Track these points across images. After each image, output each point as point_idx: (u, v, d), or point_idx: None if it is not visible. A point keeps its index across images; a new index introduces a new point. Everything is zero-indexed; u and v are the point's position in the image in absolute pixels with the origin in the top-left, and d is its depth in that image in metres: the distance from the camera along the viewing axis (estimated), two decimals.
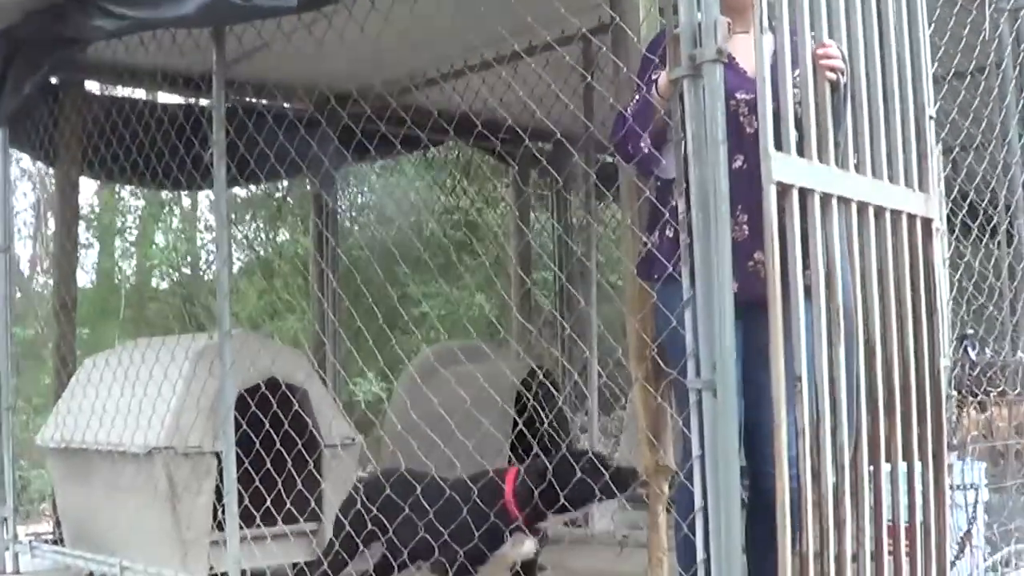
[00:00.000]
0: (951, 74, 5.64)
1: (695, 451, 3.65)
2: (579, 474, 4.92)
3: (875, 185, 4.03)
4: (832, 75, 3.84)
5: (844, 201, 3.86)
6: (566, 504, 5.00)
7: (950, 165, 5.64)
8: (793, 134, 3.69)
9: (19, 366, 8.52)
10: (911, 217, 4.19)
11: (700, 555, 3.63)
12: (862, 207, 3.94)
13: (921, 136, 4.33)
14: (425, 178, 14.34)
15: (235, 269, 20.58)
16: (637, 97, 4.21)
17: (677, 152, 3.78)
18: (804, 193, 3.69)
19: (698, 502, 3.64)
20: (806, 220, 3.69)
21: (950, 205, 5.49)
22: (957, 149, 6.02)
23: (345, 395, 11.40)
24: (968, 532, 4.81)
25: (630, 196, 4.58)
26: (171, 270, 21.01)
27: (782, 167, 3.58)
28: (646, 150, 4.12)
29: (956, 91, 5.72)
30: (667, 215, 4.05)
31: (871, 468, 3.93)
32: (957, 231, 5.74)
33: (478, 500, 5.13)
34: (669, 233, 4.08)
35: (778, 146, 3.60)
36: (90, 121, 7.99)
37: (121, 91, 8.95)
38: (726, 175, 3.53)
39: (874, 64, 4.08)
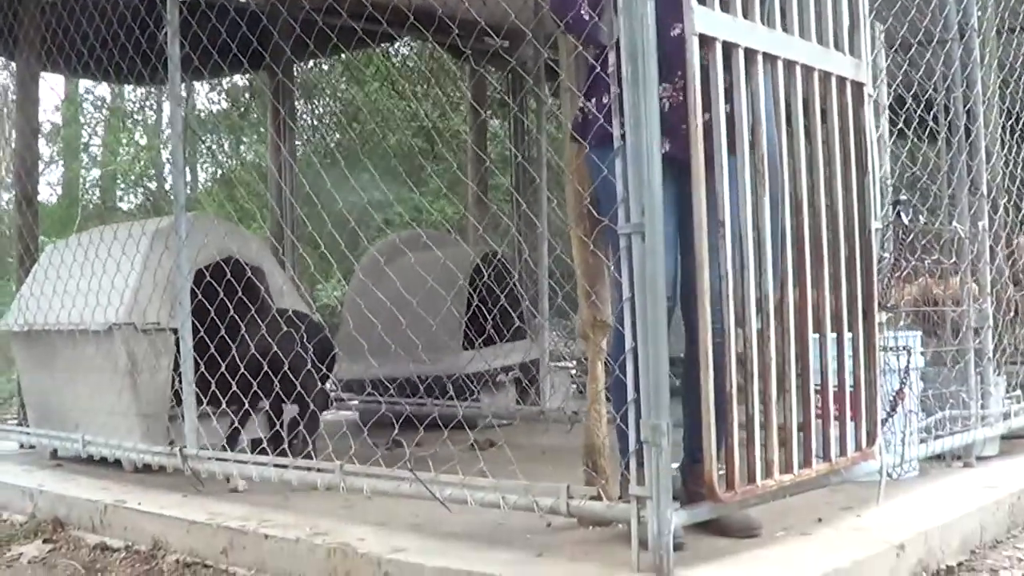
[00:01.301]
0: None
1: (625, 294, 3.79)
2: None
3: (805, 46, 4.16)
4: None
5: (770, 58, 4.00)
6: None
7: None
8: None
9: None
10: (841, 79, 4.34)
11: (631, 395, 3.78)
12: (789, 64, 4.08)
13: (854, 3, 4.48)
14: (387, 86, 14.40)
15: (200, 182, 20.68)
16: None
17: (609, 14, 3.91)
18: (729, 47, 3.84)
19: (628, 343, 3.76)
20: (731, 74, 3.85)
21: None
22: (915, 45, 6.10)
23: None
24: (899, 391, 4.93)
25: (569, 65, 4.72)
26: (136, 185, 21.05)
27: (704, 20, 3.71)
28: (585, 16, 4.26)
29: None
30: (604, 80, 4.18)
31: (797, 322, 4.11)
32: (914, 125, 5.89)
33: None
34: (605, 100, 4.21)
35: (702, 1, 3.74)
36: (50, 12, 8.04)
37: None
38: (653, 27, 3.66)
39: None
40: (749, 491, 3.86)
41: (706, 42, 3.74)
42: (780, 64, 4.04)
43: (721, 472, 3.79)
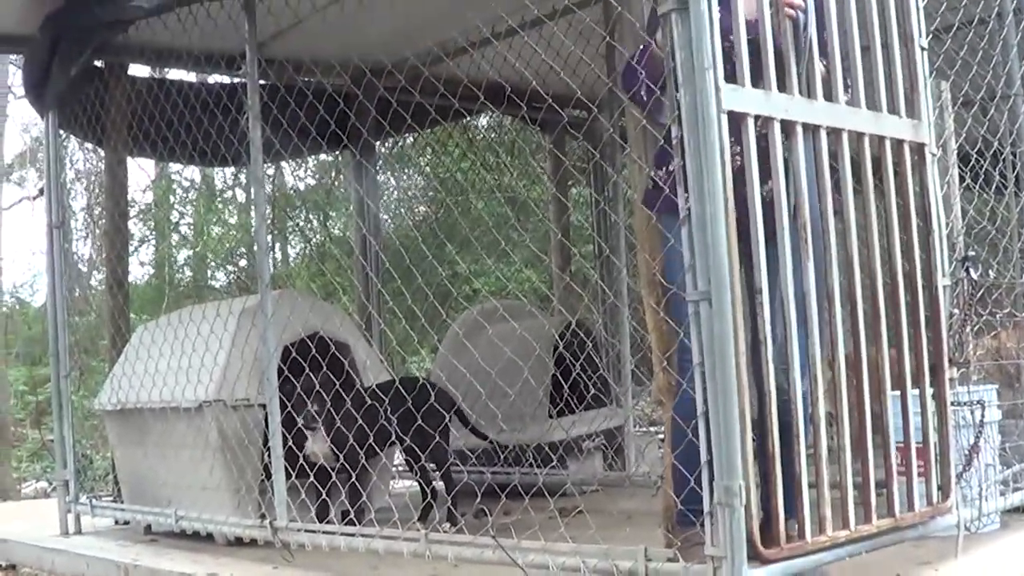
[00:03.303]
0: (976, 21, 5.82)
1: (695, 359, 3.88)
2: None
3: (851, 113, 4.28)
4: (791, 11, 4.14)
5: (811, 128, 4.13)
6: None
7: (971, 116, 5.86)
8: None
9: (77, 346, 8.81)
10: (897, 142, 4.43)
11: (704, 457, 3.87)
12: (834, 132, 4.20)
13: (911, 65, 4.57)
14: (469, 157, 14.55)
15: (290, 259, 20.94)
16: (642, 47, 4.50)
17: (670, 89, 4.03)
18: (765, 121, 3.97)
19: (700, 407, 3.87)
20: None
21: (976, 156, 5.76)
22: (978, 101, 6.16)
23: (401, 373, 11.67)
24: (975, 445, 4.96)
25: (636, 135, 4.85)
26: (226, 262, 21.34)
27: (733, 97, 3.84)
28: (644, 96, 4.41)
29: (975, 42, 5.89)
30: (670, 151, 4.30)
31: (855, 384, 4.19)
32: (982, 179, 5.93)
33: None
34: (671, 168, 4.32)
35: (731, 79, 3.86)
36: (135, 101, 8.28)
37: (164, 72, 9.25)
38: (714, 100, 3.78)
39: None
40: (797, 547, 3.92)
41: (738, 117, 3.87)
42: (823, 132, 4.15)
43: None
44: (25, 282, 24.61)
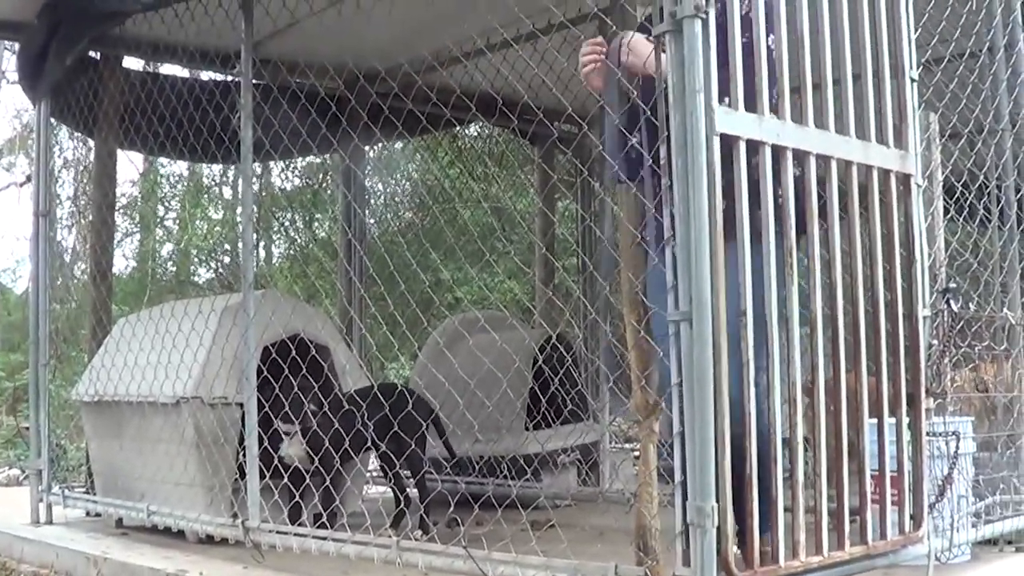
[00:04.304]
0: (966, 54, 5.85)
1: (674, 379, 3.90)
2: None
3: (841, 141, 4.31)
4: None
5: (800, 154, 4.15)
6: None
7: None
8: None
9: (57, 335, 8.80)
10: (884, 171, 4.47)
11: (678, 477, 3.88)
12: (823, 159, 4.23)
13: (901, 96, 4.61)
14: (456, 166, 14.57)
15: (274, 259, 20.93)
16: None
17: (661, 108, 4.05)
18: (754, 145, 3.99)
19: (676, 427, 3.89)
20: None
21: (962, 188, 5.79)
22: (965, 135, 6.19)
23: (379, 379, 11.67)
24: (948, 476, 4.98)
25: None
26: (209, 259, 21.32)
27: (726, 120, 3.86)
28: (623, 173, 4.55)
29: (965, 75, 5.93)
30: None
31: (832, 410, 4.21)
32: (966, 212, 5.96)
33: None
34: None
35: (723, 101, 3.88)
36: (128, 94, 8.29)
37: (158, 67, 9.26)
38: (703, 123, 3.80)
39: (842, 26, 4.36)
40: (770, 571, 3.94)
41: (730, 140, 3.89)
42: (812, 159, 4.18)
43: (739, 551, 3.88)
44: (7, 268, 24.58)
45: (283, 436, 6.52)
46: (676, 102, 3.85)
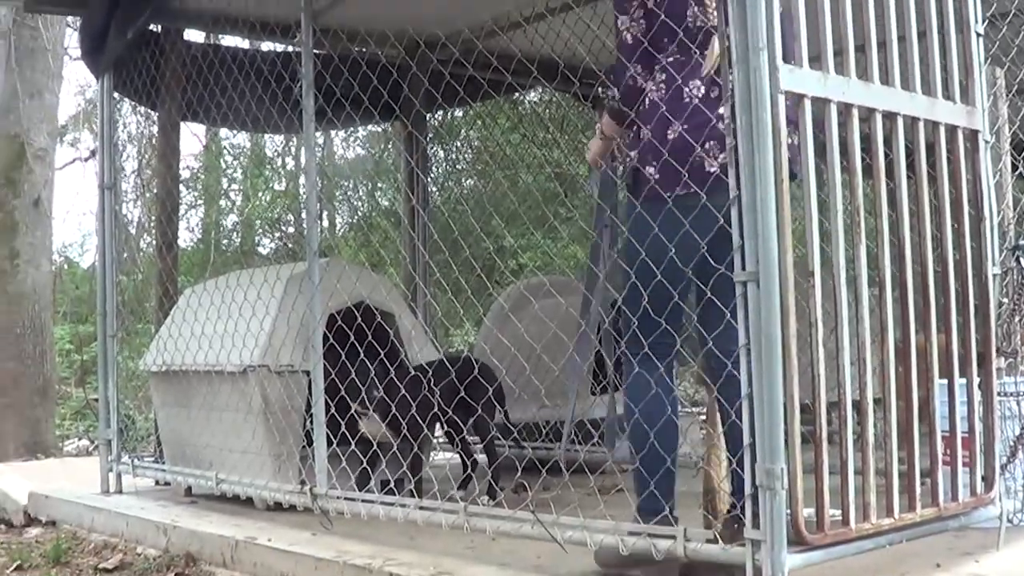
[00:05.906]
0: None
1: (741, 340, 3.87)
2: None
3: (907, 97, 4.26)
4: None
5: (866, 111, 4.10)
6: None
7: None
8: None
9: (124, 307, 8.86)
10: (951, 128, 4.41)
11: (746, 439, 3.85)
12: (889, 116, 4.17)
13: (967, 51, 4.55)
14: (519, 130, 14.52)
15: (337, 228, 20.99)
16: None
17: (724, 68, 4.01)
18: (820, 103, 3.94)
19: (744, 389, 3.86)
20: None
21: None
22: None
23: (445, 345, 11.68)
24: (1020, 436, 4.92)
25: None
26: (274, 228, 21.41)
27: (791, 78, 3.82)
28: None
29: None
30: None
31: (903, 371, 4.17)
32: None
33: None
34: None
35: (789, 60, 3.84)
36: (190, 66, 8.32)
37: (218, 39, 9.29)
38: (767, 80, 3.76)
39: None
40: (840, 534, 3.91)
41: (796, 99, 3.85)
42: (878, 116, 4.13)
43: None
44: (74, 242, 24.84)
45: (358, 417, 6.52)
46: (739, 60, 3.80)
